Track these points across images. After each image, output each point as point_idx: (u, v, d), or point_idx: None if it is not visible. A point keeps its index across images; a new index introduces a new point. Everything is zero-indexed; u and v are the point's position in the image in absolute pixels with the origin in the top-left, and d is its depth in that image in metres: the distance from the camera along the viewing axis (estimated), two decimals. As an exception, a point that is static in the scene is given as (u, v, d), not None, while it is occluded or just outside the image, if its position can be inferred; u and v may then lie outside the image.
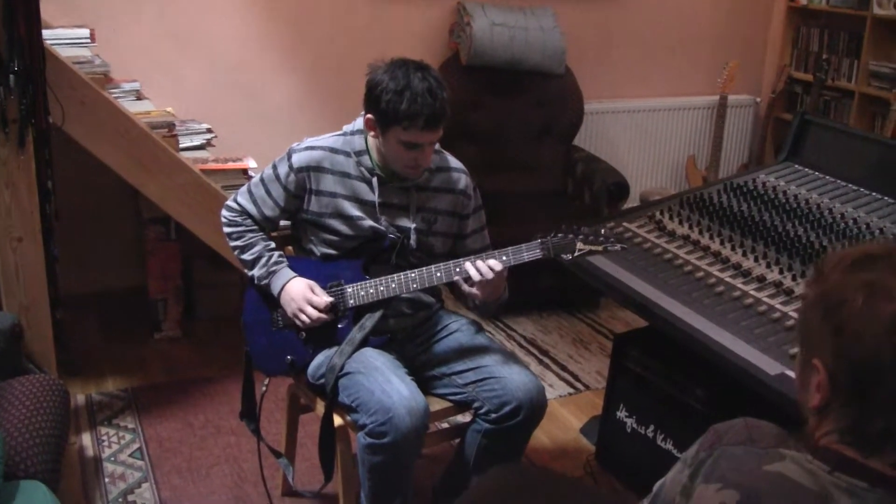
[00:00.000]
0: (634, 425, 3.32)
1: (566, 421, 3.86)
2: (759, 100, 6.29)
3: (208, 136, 4.26)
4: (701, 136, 6.08)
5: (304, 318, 2.75)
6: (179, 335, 4.51)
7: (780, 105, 6.17)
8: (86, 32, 4.10)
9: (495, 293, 2.73)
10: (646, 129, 5.90)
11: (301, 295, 2.76)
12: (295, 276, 2.80)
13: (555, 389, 4.10)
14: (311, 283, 2.78)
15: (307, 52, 4.97)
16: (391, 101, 2.58)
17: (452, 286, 2.80)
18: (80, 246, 4.65)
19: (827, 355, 1.40)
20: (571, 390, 4.11)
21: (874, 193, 3.32)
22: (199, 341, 4.49)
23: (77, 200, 4.29)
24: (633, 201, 5.51)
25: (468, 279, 2.65)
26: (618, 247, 2.66)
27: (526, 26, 5.06)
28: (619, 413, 3.39)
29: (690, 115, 6.03)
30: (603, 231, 2.67)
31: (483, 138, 5.06)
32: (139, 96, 4.29)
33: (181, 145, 4.08)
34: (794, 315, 2.64)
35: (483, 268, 2.62)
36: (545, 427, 3.68)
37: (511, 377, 2.73)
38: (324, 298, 2.75)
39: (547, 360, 4.36)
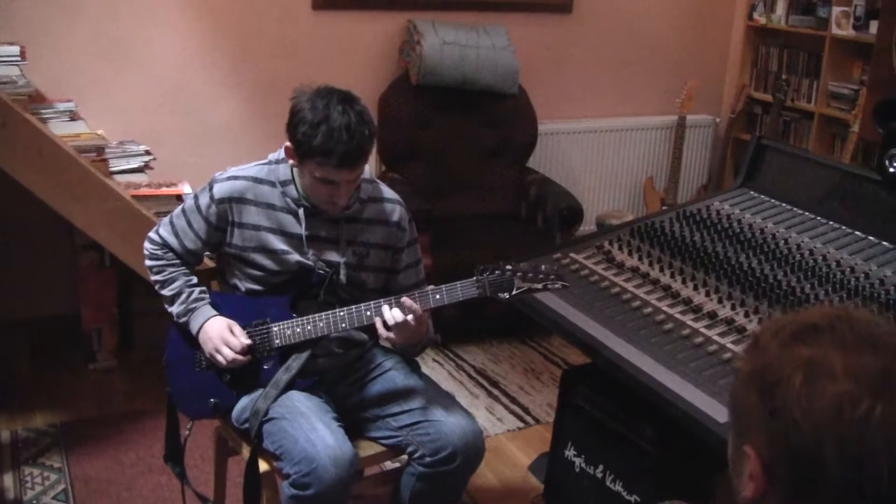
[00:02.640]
0: (583, 465, 3.17)
1: (514, 457, 3.71)
2: (718, 120, 6.18)
3: (146, 158, 4.10)
4: (659, 157, 5.96)
5: (220, 359, 2.59)
6: (115, 366, 4.32)
7: (740, 125, 6.08)
8: (15, 50, 3.93)
9: (415, 336, 2.59)
10: (602, 150, 5.77)
11: (218, 335, 2.59)
12: (214, 315, 2.64)
13: (504, 423, 3.94)
14: (231, 322, 2.61)
15: (251, 70, 4.81)
16: (306, 133, 2.43)
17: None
18: (10, 271, 4.47)
19: (761, 441, 1.22)
20: (521, 424, 3.96)
21: (831, 222, 3.20)
22: (136, 372, 4.29)
23: (6, 223, 4.10)
24: (588, 224, 5.39)
25: (385, 322, 2.51)
26: (558, 284, 2.53)
27: (478, 45, 4.92)
28: (567, 452, 3.23)
29: (648, 136, 5.91)
30: (543, 268, 2.54)
31: (433, 159, 4.92)
32: (73, 116, 4.12)
33: (117, 168, 3.92)
34: (746, 355, 2.51)
35: (397, 314, 2.48)
36: (492, 464, 3.54)
37: (447, 421, 2.59)
38: (241, 340, 2.59)
39: (496, 392, 4.21)
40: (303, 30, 4.86)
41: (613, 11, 5.67)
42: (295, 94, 2.52)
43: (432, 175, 4.86)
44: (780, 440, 1.19)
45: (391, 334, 2.54)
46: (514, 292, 2.50)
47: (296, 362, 2.61)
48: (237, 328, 2.61)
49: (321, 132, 2.41)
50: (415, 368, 2.82)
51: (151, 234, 2.75)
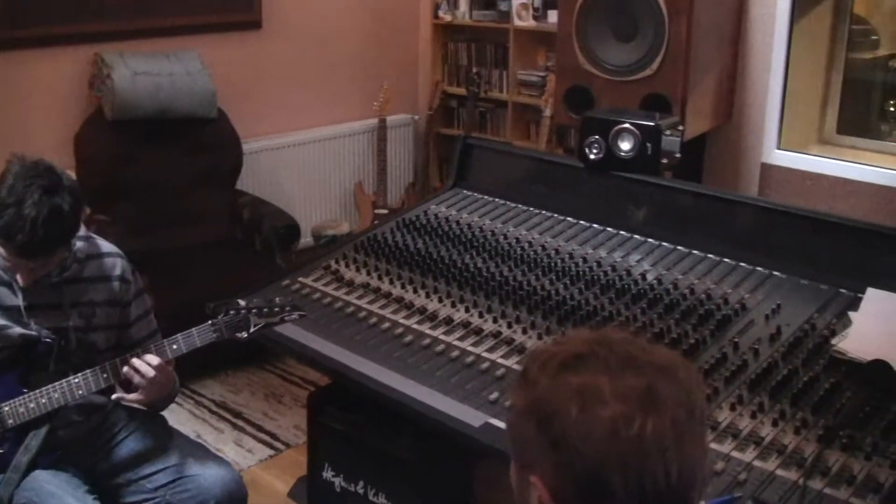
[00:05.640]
0: (343, 484, 3.17)
1: (272, 487, 3.66)
2: (417, 118, 6.31)
3: None
4: (365, 161, 6.02)
5: None
6: None
7: (439, 121, 6.22)
8: None
9: (161, 391, 2.51)
10: (309, 161, 5.76)
11: None
12: None
13: (255, 454, 3.88)
14: None
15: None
16: None
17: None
18: None
19: (547, 471, 1.27)
20: (272, 452, 3.91)
21: (543, 212, 3.35)
22: None
23: None
24: (305, 236, 5.38)
25: (128, 382, 2.42)
26: (295, 315, 2.52)
27: (171, 72, 4.79)
28: (325, 473, 3.22)
29: (352, 142, 5.96)
30: (278, 300, 2.52)
31: (141, 195, 4.74)
32: None
33: None
34: (488, 357, 2.59)
35: (142, 366, 2.39)
36: (252, 499, 3.45)
37: (205, 474, 2.52)
38: None
39: (241, 423, 4.13)
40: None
41: (303, 23, 5.66)
42: (9, 160, 2.36)
43: (142, 212, 4.69)
44: (566, 468, 1.25)
45: (138, 395, 2.44)
46: (252, 330, 2.46)
47: (35, 440, 2.44)
48: None
49: (7, 214, 2.26)
50: (162, 423, 2.72)
51: None
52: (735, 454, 2.13)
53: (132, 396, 2.46)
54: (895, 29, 5.60)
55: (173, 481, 2.53)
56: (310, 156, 5.75)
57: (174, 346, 2.44)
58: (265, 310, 2.49)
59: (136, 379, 2.41)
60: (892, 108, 5.42)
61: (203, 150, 4.97)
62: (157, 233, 4.63)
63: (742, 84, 4.69)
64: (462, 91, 5.99)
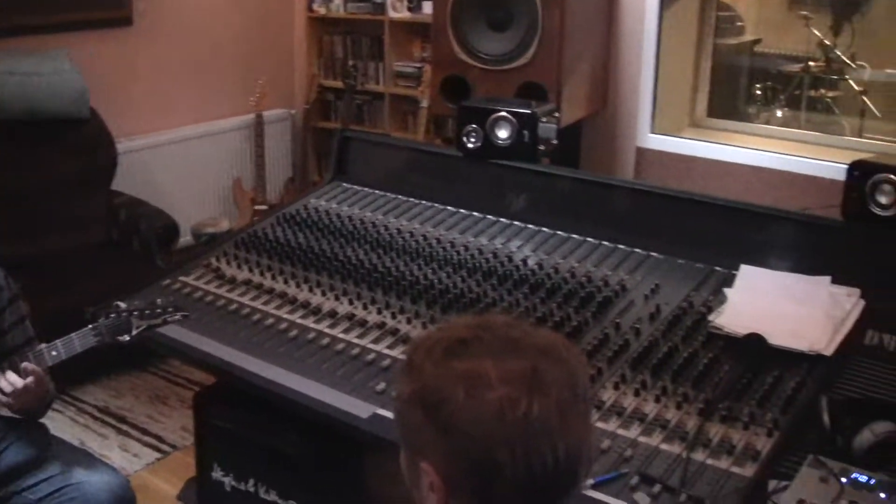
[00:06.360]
0: (234, 483, 3.13)
1: (161, 491, 3.60)
2: (294, 112, 6.27)
3: None
4: (243, 157, 5.95)
5: None
6: None
7: (316, 114, 6.20)
8: None
9: (37, 400, 2.45)
10: (186, 159, 5.67)
11: None
12: None
13: (141, 458, 3.81)
14: None
15: None
16: None
17: None
18: None
19: (438, 457, 1.28)
20: (159, 455, 3.84)
21: (423, 202, 3.36)
22: None
23: None
24: (185, 235, 5.29)
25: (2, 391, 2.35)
26: (178, 315, 2.50)
27: (39, 72, 4.66)
28: (214, 473, 3.18)
29: (230, 138, 5.88)
30: (159, 301, 2.49)
31: (12, 201, 4.57)
32: None
33: None
34: (374, 348, 2.60)
35: (14, 380, 2.33)
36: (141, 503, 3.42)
37: (91, 480, 2.47)
38: None
39: (126, 428, 4.05)
40: None
41: (175, 19, 5.56)
42: None
43: (14, 218, 4.53)
44: (455, 453, 1.26)
45: (10, 401, 2.38)
46: (134, 333, 2.42)
47: None
48: None
49: None
50: (43, 432, 2.64)
51: None
52: (620, 432, 2.17)
53: (6, 401, 2.39)
54: (759, 15, 5.77)
55: (58, 490, 2.47)
56: (186, 154, 5.67)
57: (53, 353, 2.38)
58: (147, 311, 2.45)
59: (14, 387, 2.34)
60: (758, 92, 5.60)
61: (76, 150, 4.85)
62: (31, 237, 4.50)
63: (615, 71, 4.78)
64: (339, 84, 5.97)
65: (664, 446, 2.12)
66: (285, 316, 2.80)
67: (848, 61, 5.49)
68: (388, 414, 2.32)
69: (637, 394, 2.29)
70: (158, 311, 2.46)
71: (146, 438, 3.98)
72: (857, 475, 1.83)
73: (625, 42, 4.72)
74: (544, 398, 1.25)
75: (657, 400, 2.26)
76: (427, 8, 5.26)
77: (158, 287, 3.08)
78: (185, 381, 4.43)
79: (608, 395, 2.30)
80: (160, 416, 4.17)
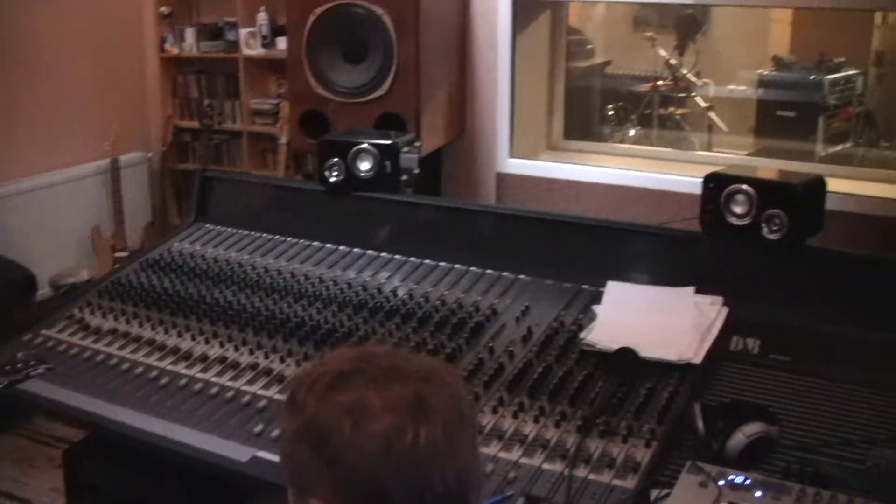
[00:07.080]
0: (107, 543, 3.04)
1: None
2: (150, 155, 6.16)
3: None
4: (100, 204, 5.82)
5: None
6: None
7: (174, 156, 6.11)
8: None
9: None
10: (41, 208, 5.51)
11: None
12: None
13: (9, 523, 3.68)
14: None
15: None
16: None
17: None
18: None
19: (326, 492, 1.27)
20: (28, 519, 3.72)
21: (289, 238, 3.33)
22: None
23: None
24: (42, 288, 5.14)
25: None
26: (41, 369, 2.42)
27: None
28: (86, 534, 3.09)
29: (85, 185, 5.75)
30: (20, 356, 2.42)
31: None
32: None
33: None
34: (248, 389, 2.55)
35: None
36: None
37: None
38: None
39: (-9, 492, 3.91)
40: None
41: (20, 63, 5.41)
42: None
43: None
44: (344, 486, 1.25)
45: None
46: (-5, 391, 2.34)
47: None
48: None
49: None
50: None
51: None
52: (502, 454, 2.18)
53: None
54: (607, 37, 5.94)
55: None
56: (41, 202, 5.51)
57: None
58: (7, 367, 2.38)
59: None
60: (611, 112, 5.75)
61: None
62: None
63: (472, 98, 4.84)
64: (195, 124, 5.91)
65: (546, 465, 2.13)
66: (155, 363, 2.73)
67: (693, 79, 5.69)
68: (269, 456, 2.28)
69: (515, 416, 2.30)
70: (20, 365, 2.39)
71: None
72: (734, 477, 1.87)
73: (480, 69, 4.79)
74: (430, 424, 1.26)
75: (536, 420, 2.27)
76: (281, 43, 5.25)
77: (19, 342, 2.96)
78: (51, 438, 4.28)
79: (487, 420, 2.30)
80: (27, 478, 4.02)
